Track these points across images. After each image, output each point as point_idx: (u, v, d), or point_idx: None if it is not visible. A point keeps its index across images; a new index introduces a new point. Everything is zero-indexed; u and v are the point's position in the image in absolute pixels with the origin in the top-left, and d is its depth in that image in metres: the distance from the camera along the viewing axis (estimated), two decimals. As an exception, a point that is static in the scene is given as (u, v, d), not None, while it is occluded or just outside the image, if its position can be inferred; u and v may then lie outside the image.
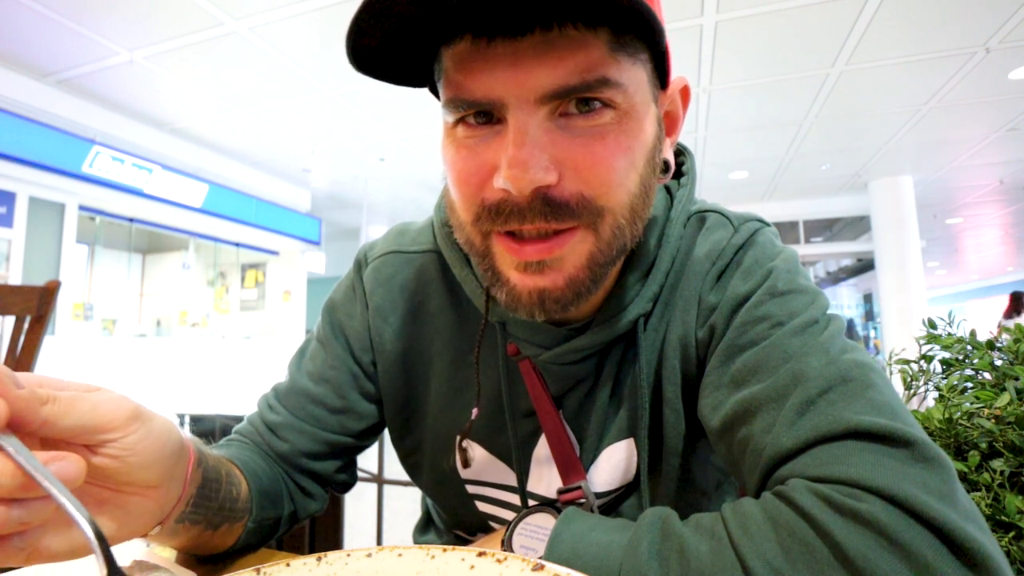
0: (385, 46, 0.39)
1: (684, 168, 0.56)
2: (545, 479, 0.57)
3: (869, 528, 0.31)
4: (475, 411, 0.55)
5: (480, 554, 0.33)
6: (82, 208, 4.91)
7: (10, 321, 1.28)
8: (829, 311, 0.47)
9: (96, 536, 0.29)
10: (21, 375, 0.30)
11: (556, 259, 0.41)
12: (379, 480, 1.44)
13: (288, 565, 0.34)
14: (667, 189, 0.56)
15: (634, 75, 0.41)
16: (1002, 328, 0.68)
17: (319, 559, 0.34)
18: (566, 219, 0.40)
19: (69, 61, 3.94)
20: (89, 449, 0.33)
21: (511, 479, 0.58)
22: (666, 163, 0.48)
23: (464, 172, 0.42)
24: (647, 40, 0.41)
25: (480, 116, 0.41)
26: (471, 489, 0.60)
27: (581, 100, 0.39)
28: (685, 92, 0.50)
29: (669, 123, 0.49)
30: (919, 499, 0.31)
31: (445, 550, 0.34)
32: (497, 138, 0.40)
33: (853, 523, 0.32)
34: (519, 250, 0.41)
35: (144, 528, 0.38)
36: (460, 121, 0.42)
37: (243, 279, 7.68)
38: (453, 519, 0.64)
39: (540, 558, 0.34)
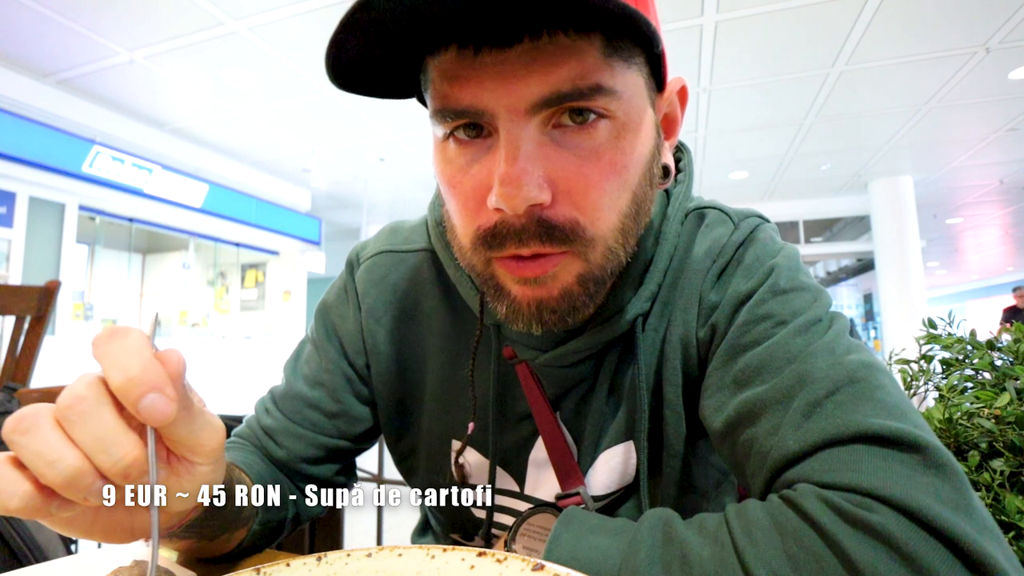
0: (366, 59, 0.38)
1: (681, 165, 0.55)
2: (543, 483, 0.56)
3: (880, 540, 0.30)
4: (471, 425, 0.55)
5: (480, 554, 0.33)
6: (82, 208, 4.91)
7: (10, 321, 1.28)
8: (832, 309, 0.46)
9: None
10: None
11: (549, 275, 0.41)
12: (379, 480, 1.43)
13: (288, 565, 0.34)
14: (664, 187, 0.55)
15: (629, 80, 0.39)
16: (1002, 327, 0.68)
17: (319, 559, 0.34)
18: (560, 244, 0.39)
19: (69, 61, 3.94)
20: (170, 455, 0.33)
21: (507, 483, 0.57)
22: (666, 168, 0.47)
23: (461, 196, 0.41)
24: (642, 43, 0.39)
25: (470, 129, 0.40)
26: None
27: (575, 110, 0.38)
28: (683, 93, 0.48)
29: (668, 126, 0.48)
30: (932, 510, 0.30)
31: (445, 550, 0.34)
32: (488, 154, 0.39)
33: (863, 534, 0.31)
34: (519, 268, 0.41)
35: (142, 534, 0.37)
36: (450, 136, 0.41)
37: (243, 279, 7.67)
38: (449, 523, 0.63)
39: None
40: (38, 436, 0.27)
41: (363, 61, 0.38)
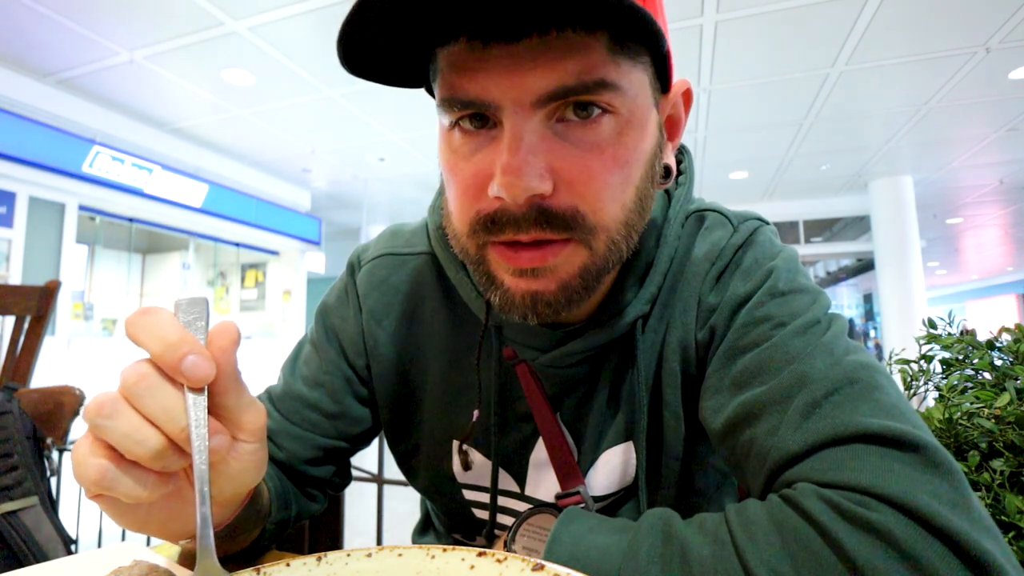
0: (378, 48, 0.39)
1: (682, 167, 0.55)
2: (543, 483, 0.56)
3: (879, 538, 0.30)
4: (476, 412, 0.55)
5: (480, 554, 0.33)
6: (82, 208, 4.90)
7: (10, 321, 1.28)
8: (831, 311, 0.46)
9: (203, 519, 0.31)
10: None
11: (550, 267, 0.41)
12: (379, 480, 1.44)
13: (288, 565, 0.34)
14: (665, 189, 0.55)
15: (634, 78, 0.40)
16: (1003, 328, 0.67)
17: (319, 559, 0.34)
18: (561, 230, 0.40)
19: (69, 61, 3.94)
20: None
21: (508, 484, 0.57)
22: (667, 168, 0.47)
23: (462, 183, 0.41)
24: (648, 43, 0.39)
25: (475, 120, 0.40)
26: (468, 495, 0.60)
27: (579, 105, 0.38)
28: (687, 95, 0.48)
29: (671, 127, 0.48)
30: (931, 508, 0.30)
31: (445, 550, 0.34)
32: (492, 144, 0.40)
33: (863, 532, 0.31)
34: (514, 258, 0.41)
35: (181, 534, 0.38)
36: (455, 125, 0.41)
37: (243, 279, 7.68)
38: (451, 522, 0.63)
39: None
40: (123, 419, 0.30)
41: (375, 47, 0.39)
